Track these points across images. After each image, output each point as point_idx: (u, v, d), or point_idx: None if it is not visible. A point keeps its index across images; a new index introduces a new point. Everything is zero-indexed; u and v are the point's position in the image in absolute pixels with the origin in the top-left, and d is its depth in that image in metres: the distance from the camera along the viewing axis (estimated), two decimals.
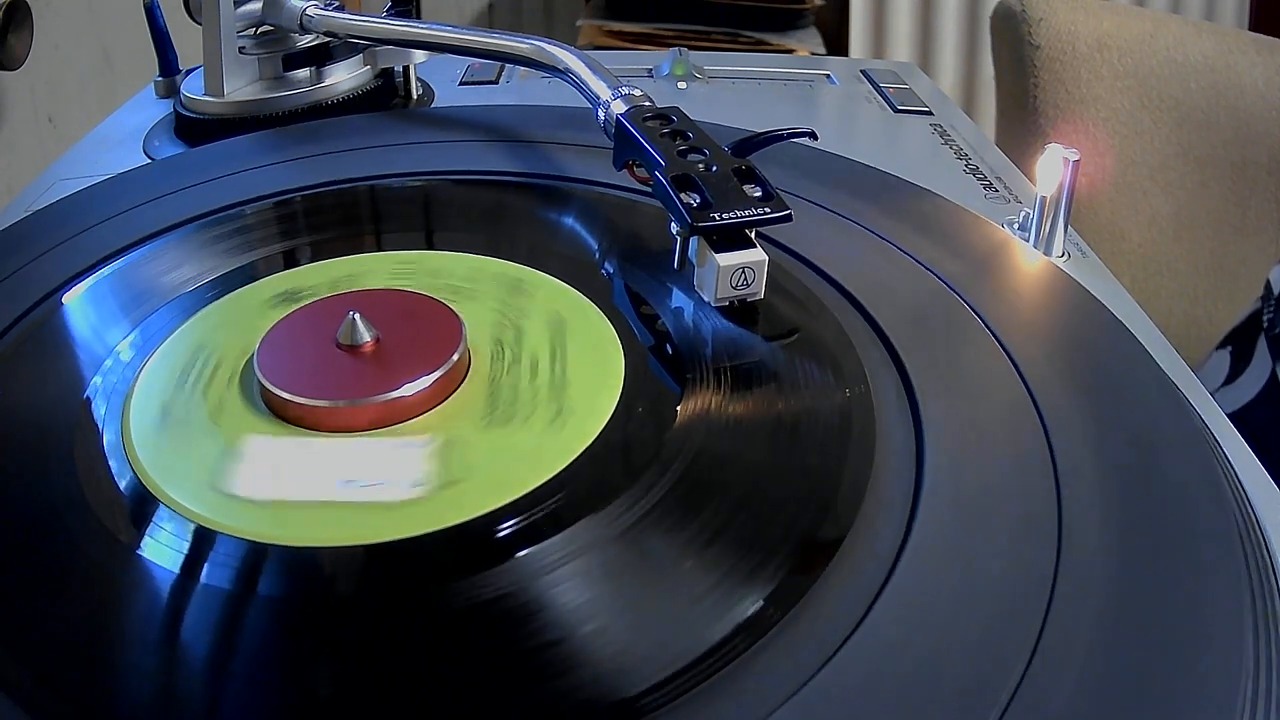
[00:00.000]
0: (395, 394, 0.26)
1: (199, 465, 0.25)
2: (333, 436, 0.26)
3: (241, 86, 0.48)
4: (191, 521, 0.23)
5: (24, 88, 0.81)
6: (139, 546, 0.23)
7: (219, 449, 0.26)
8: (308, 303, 0.30)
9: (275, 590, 0.22)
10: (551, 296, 0.31)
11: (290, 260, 0.35)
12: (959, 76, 1.47)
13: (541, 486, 0.24)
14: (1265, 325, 0.63)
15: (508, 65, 0.58)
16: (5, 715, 0.20)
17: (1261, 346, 0.63)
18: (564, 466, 0.24)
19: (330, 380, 0.27)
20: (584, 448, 0.25)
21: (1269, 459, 0.29)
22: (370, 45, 0.50)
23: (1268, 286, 0.65)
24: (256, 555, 0.23)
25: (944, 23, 1.45)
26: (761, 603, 0.21)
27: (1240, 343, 0.66)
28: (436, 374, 0.27)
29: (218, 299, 0.32)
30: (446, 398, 0.27)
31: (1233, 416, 0.30)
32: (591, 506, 0.23)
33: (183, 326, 0.31)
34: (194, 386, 0.28)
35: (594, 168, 0.39)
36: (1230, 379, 0.65)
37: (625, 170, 0.35)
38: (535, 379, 0.28)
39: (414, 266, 0.33)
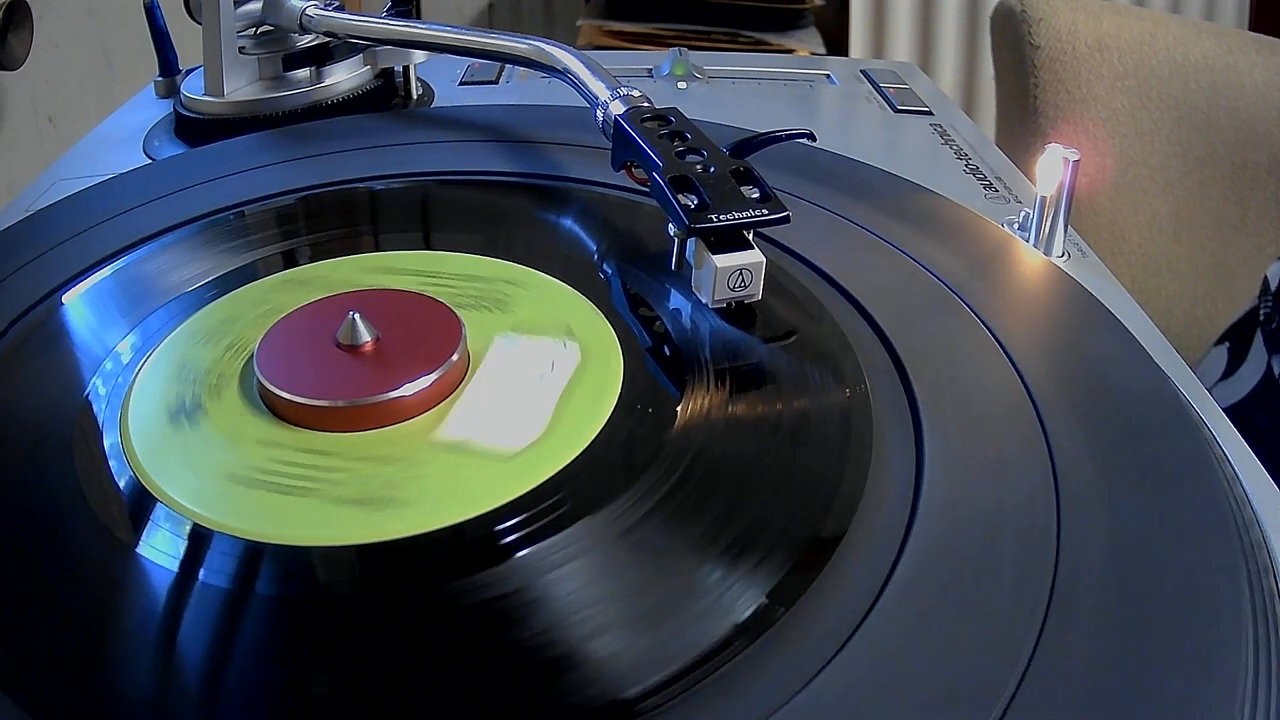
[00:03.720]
0: (395, 394, 0.26)
1: (197, 463, 0.25)
2: (301, 433, 0.26)
3: (241, 86, 0.48)
4: (189, 520, 0.24)
5: (24, 88, 0.81)
6: (138, 545, 0.23)
7: (216, 447, 0.26)
8: (308, 302, 0.30)
9: (270, 589, 0.22)
10: (581, 321, 0.30)
11: (290, 260, 0.35)
12: (959, 76, 1.47)
13: (541, 486, 0.24)
14: (1262, 320, 0.63)
15: (508, 65, 0.58)
16: (5, 715, 0.20)
17: (1258, 341, 0.63)
18: (507, 500, 0.24)
19: (330, 380, 0.27)
20: (578, 452, 0.25)
21: (1264, 451, 0.29)
22: (370, 45, 0.50)
23: (1265, 282, 0.65)
24: (250, 553, 0.23)
25: (944, 23, 1.45)
26: (761, 603, 0.21)
27: (1238, 338, 0.66)
28: (436, 374, 0.27)
29: (217, 298, 0.32)
30: (445, 399, 0.27)
31: (1229, 411, 0.30)
32: (590, 507, 0.23)
33: (193, 317, 0.31)
34: (196, 385, 0.28)
35: (593, 168, 0.39)
36: (1227, 374, 0.65)
37: (623, 171, 0.35)
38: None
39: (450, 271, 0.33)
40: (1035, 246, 0.37)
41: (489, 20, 1.63)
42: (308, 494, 0.24)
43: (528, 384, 0.28)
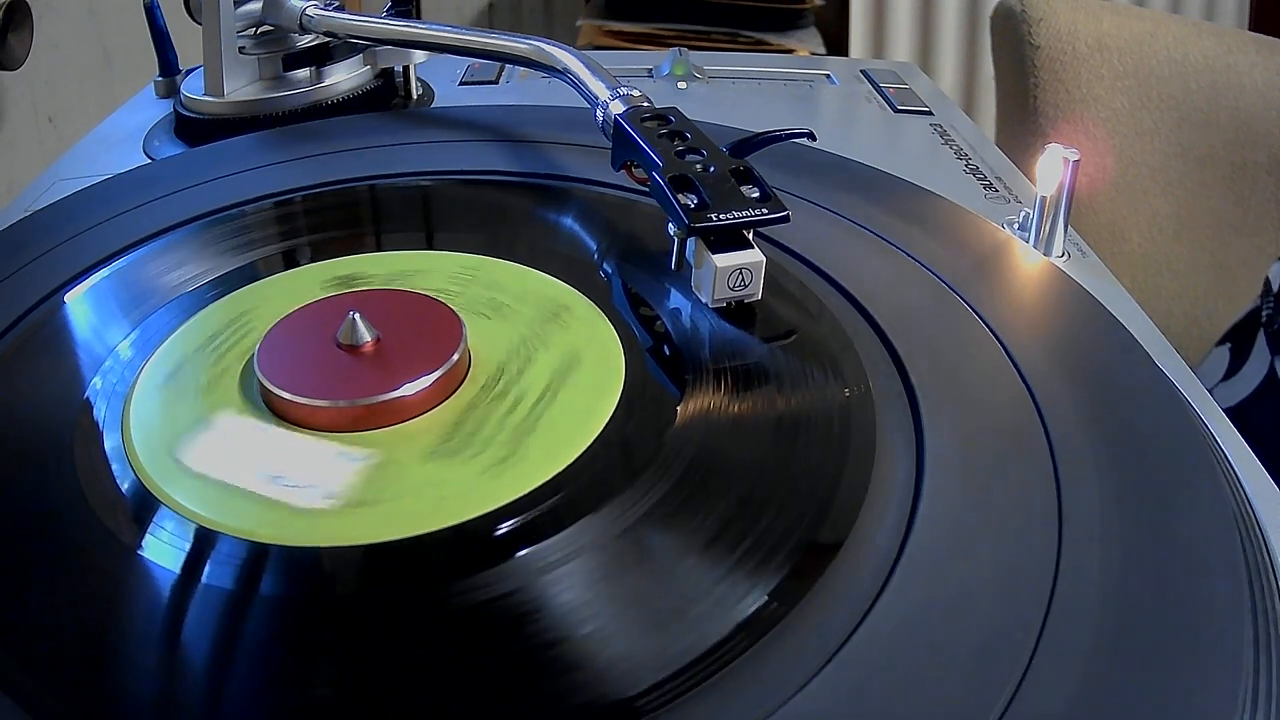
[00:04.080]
0: (395, 394, 0.26)
1: (197, 463, 0.25)
2: (290, 431, 0.26)
3: (241, 86, 0.48)
4: (190, 521, 0.24)
5: (24, 88, 0.81)
6: (138, 547, 0.23)
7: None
8: (308, 303, 0.30)
9: (275, 590, 0.22)
10: (582, 331, 0.30)
11: (290, 261, 0.35)
12: (959, 76, 1.47)
13: (541, 486, 0.24)
14: (1264, 321, 0.63)
15: (508, 65, 0.58)
16: (5, 715, 0.20)
17: (1260, 342, 0.63)
18: (478, 514, 0.23)
19: (330, 380, 0.27)
20: (579, 452, 0.25)
21: (1265, 451, 0.29)
22: (370, 45, 0.50)
23: (1267, 283, 0.65)
24: (252, 554, 0.23)
25: (944, 23, 1.45)
26: (762, 603, 0.21)
27: (1239, 338, 0.66)
28: (436, 374, 0.27)
29: (217, 299, 0.32)
30: (444, 400, 0.27)
31: (1231, 411, 0.30)
32: (591, 507, 0.23)
33: (216, 304, 0.31)
34: (198, 375, 0.28)
35: (593, 168, 0.39)
36: (1229, 374, 0.65)
37: (623, 171, 0.35)
38: (509, 416, 0.27)
39: (474, 274, 0.33)
40: (1035, 246, 0.37)
41: (489, 20, 1.63)
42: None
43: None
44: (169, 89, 0.54)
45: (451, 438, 0.26)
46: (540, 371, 0.28)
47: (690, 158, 0.32)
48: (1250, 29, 1.41)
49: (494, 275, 0.33)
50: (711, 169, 0.31)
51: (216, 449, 0.26)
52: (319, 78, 0.49)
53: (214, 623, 0.21)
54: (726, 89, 0.57)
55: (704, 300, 0.30)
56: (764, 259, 0.30)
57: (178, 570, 0.22)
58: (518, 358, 0.29)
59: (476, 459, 0.25)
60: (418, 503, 0.24)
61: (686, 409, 0.27)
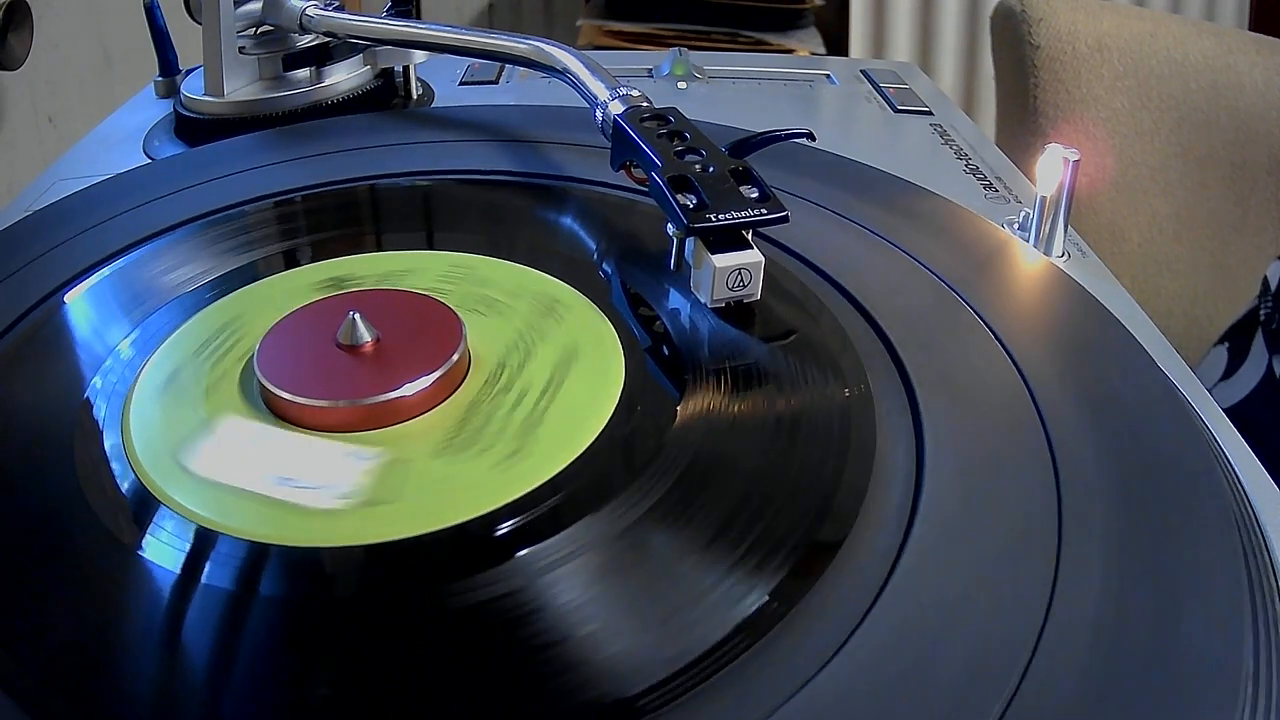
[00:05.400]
0: (394, 394, 0.26)
1: (197, 463, 0.25)
2: (295, 432, 0.26)
3: (241, 86, 0.48)
4: (191, 521, 0.24)
5: (24, 88, 0.81)
6: (139, 547, 0.23)
7: (216, 447, 0.26)
8: (308, 302, 0.30)
9: (275, 590, 0.22)
10: (578, 324, 0.30)
11: (291, 260, 0.35)
12: (959, 76, 1.47)
13: (541, 486, 0.24)
14: (1262, 320, 0.63)
15: (508, 65, 0.58)
16: (5, 715, 0.20)
17: (1259, 341, 0.63)
18: (491, 509, 0.23)
19: (330, 380, 0.27)
20: (579, 451, 0.25)
21: (1265, 451, 0.29)
22: (370, 45, 0.50)
23: (1265, 282, 0.65)
24: (252, 554, 0.23)
25: (944, 23, 1.45)
26: (762, 602, 0.21)
27: (1238, 338, 0.66)
28: (436, 374, 0.27)
29: (217, 298, 0.32)
30: (444, 399, 0.27)
31: (1229, 411, 0.30)
32: (591, 506, 0.23)
33: (208, 308, 0.31)
34: (197, 380, 0.28)
35: (593, 168, 0.39)
36: (1227, 374, 0.65)
37: (623, 171, 0.35)
38: (514, 411, 0.27)
39: (465, 272, 0.33)
40: (1035, 246, 0.37)
41: (489, 20, 1.63)
42: (321, 495, 0.24)
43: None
44: (169, 89, 0.54)
45: (459, 434, 0.26)
46: (541, 365, 0.28)
47: (689, 158, 0.32)
48: (1250, 29, 1.41)
49: (484, 273, 0.33)
50: (711, 169, 0.31)
51: (221, 452, 0.26)
52: (319, 78, 0.49)
53: (214, 623, 0.21)
54: (726, 89, 0.57)
55: (703, 300, 0.30)
56: (763, 259, 0.30)
57: (177, 570, 0.22)
58: (517, 352, 0.29)
59: (487, 454, 0.25)
60: (433, 499, 0.24)
61: (686, 409, 0.27)
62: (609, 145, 0.35)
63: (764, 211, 0.30)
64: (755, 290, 0.30)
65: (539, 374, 0.28)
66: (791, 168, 0.39)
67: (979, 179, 0.45)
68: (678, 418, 0.26)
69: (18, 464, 0.26)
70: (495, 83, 0.57)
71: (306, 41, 0.50)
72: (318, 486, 0.24)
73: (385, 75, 0.51)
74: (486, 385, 0.28)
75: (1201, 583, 0.22)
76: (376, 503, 0.24)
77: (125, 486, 0.25)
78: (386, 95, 0.51)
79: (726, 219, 0.29)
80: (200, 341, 0.30)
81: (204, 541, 0.23)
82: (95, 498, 0.24)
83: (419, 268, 0.33)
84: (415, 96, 0.52)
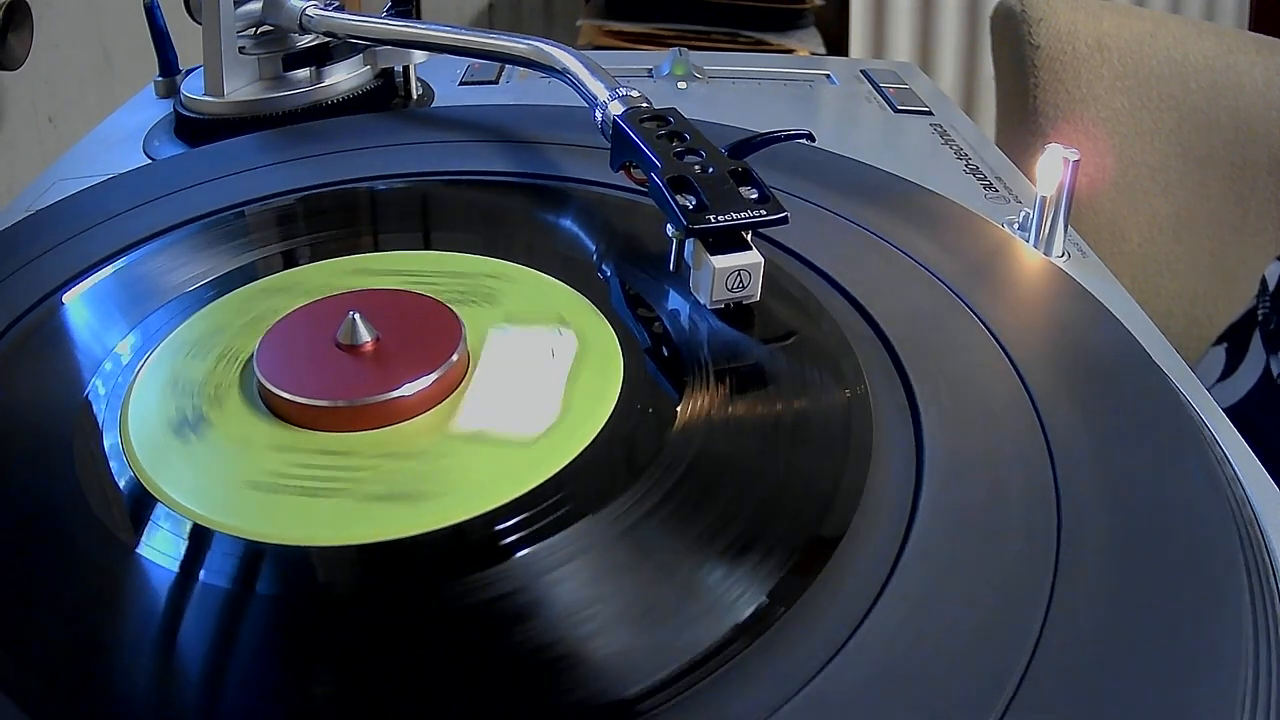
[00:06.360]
0: (395, 394, 0.26)
1: (196, 463, 0.25)
2: (293, 431, 0.26)
3: (241, 86, 0.48)
4: (189, 520, 0.24)
5: (24, 88, 0.81)
6: (138, 546, 0.23)
7: (215, 447, 0.26)
8: (308, 302, 0.30)
9: (273, 588, 0.22)
10: (575, 320, 0.31)
11: (290, 260, 0.35)
12: (959, 76, 1.47)
13: (540, 486, 0.24)
14: (1260, 320, 0.63)
15: (508, 65, 0.58)
16: (5, 715, 0.20)
17: (1256, 341, 0.63)
18: (502, 502, 0.24)
19: (329, 380, 0.27)
20: (578, 451, 0.25)
21: (1264, 451, 0.29)
22: (370, 45, 0.50)
23: (1263, 282, 0.65)
24: (251, 553, 0.23)
25: (944, 23, 1.45)
26: (761, 603, 0.21)
27: (1236, 338, 0.66)
28: (436, 374, 0.27)
29: (217, 299, 0.32)
30: (445, 398, 0.27)
31: (1228, 411, 0.30)
32: (591, 507, 0.23)
33: (188, 321, 0.31)
34: (195, 384, 0.28)
35: (593, 168, 0.39)
36: (1225, 374, 0.65)
37: (622, 171, 0.35)
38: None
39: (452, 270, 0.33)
40: (1035, 246, 0.37)
41: (489, 20, 1.63)
42: (307, 494, 0.24)
43: (527, 377, 0.28)
44: (169, 89, 0.54)
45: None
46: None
47: (689, 159, 0.32)
48: (1250, 29, 1.41)
49: (463, 267, 0.33)
50: (710, 170, 0.31)
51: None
52: (319, 78, 0.49)
53: (214, 623, 0.21)
54: (726, 89, 0.57)
55: (702, 302, 0.30)
56: (762, 260, 0.30)
57: (176, 570, 0.22)
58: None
59: (500, 446, 0.25)
60: (441, 495, 0.24)
61: (686, 410, 0.27)
62: (609, 146, 0.35)
63: (763, 212, 0.30)
64: (755, 291, 0.30)
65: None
66: (791, 168, 0.39)
67: (979, 179, 0.45)
68: (677, 419, 0.26)
69: (17, 463, 0.26)
70: (495, 83, 0.57)
71: (306, 41, 0.50)
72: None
73: (385, 75, 0.51)
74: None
75: (1201, 583, 0.22)
76: (383, 500, 0.24)
77: (124, 485, 0.25)
78: (386, 95, 0.51)
79: (726, 220, 0.29)
80: (200, 341, 0.30)
81: (202, 540, 0.23)
82: (94, 497, 0.24)
83: (414, 269, 0.33)
84: (415, 96, 0.52)
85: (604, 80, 0.37)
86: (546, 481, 0.24)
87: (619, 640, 0.21)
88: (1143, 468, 0.25)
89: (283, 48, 0.49)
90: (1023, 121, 0.86)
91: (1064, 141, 0.37)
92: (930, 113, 0.54)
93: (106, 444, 0.26)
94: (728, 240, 0.30)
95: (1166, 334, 0.34)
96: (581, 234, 0.36)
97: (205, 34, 0.47)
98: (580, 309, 0.31)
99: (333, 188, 0.39)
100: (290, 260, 0.35)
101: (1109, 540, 0.23)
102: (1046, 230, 0.38)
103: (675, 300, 0.31)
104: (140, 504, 0.24)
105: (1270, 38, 0.88)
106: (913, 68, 0.63)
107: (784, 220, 0.30)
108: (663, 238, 0.31)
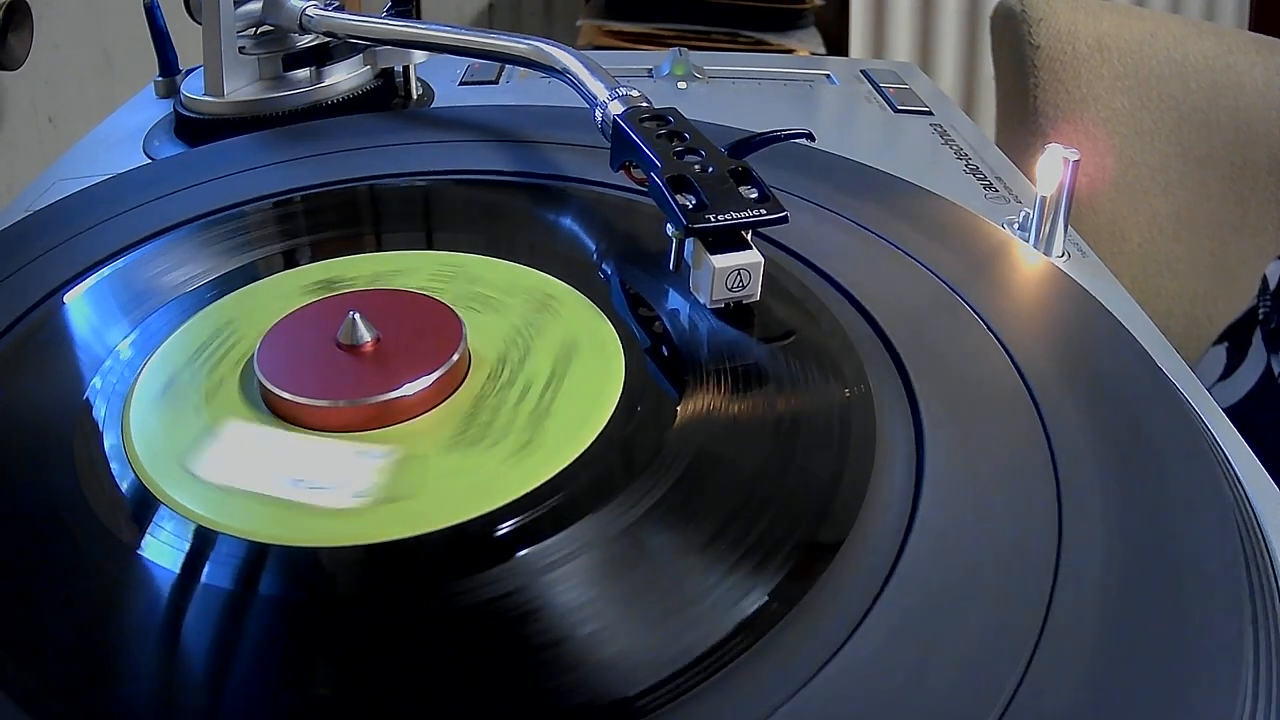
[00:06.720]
0: (394, 394, 0.26)
1: (197, 463, 0.25)
2: (302, 434, 0.26)
3: (241, 86, 0.48)
4: (191, 521, 0.24)
5: (24, 88, 0.81)
6: (139, 546, 0.23)
7: (216, 447, 0.26)
8: (308, 302, 0.30)
9: (275, 590, 0.22)
10: (574, 318, 0.30)
11: (290, 260, 0.35)
12: (959, 76, 1.47)
13: (541, 486, 0.24)
14: (1261, 319, 0.63)
15: (508, 65, 0.58)
16: (5, 715, 0.20)
17: (1257, 341, 0.63)
18: (507, 501, 0.24)
19: (330, 380, 0.27)
20: (579, 452, 0.25)
21: (1263, 450, 0.29)
22: (370, 45, 0.50)
23: (1264, 282, 0.65)
24: (252, 554, 0.23)
25: (944, 23, 1.45)
26: (762, 603, 0.21)
27: (1236, 338, 0.66)
28: (436, 375, 0.27)
29: (217, 298, 0.32)
30: (445, 399, 0.27)
31: (1228, 410, 0.30)
32: (591, 506, 0.23)
33: (189, 321, 0.31)
34: (196, 384, 0.28)
35: (593, 168, 0.39)
36: (1226, 374, 0.65)
37: (622, 171, 0.35)
38: (520, 404, 0.27)
39: (455, 270, 0.33)
40: (1035, 246, 0.37)
41: (489, 20, 1.63)
42: (337, 495, 0.24)
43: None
44: (169, 89, 0.54)
45: (468, 429, 0.26)
46: (542, 359, 0.29)
47: (689, 158, 0.32)
48: (1250, 29, 1.41)
49: (475, 271, 0.33)
50: (710, 169, 0.31)
51: (221, 452, 0.26)
52: (319, 78, 0.49)
53: (215, 623, 0.21)
54: (726, 89, 0.57)
55: (702, 301, 0.30)
56: (762, 260, 0.30)
57: (177, 570, 0.22)
58: (516, 348, 0.29)
59: (498, 447, 0.25)
60: (448, 494, 0.24)
61: (686, 409, 0.27)
62: (608, 145, 0.35)
63: (763, 212, 0.30)
64: (755, 291, 0.30)
65: (540, 368, 0.28)
66: (791, 168, 0.39)
67: (979, 179, 0.45)
68: (678, 418, 0.26)
69: (18, 464, 0.26)
70: (495, 83, 0.57)
71: (306, 41, 0.50)
72: (322, 486, 0.24)
73: (385, 75, 0.51)
74: (490, 380, 0.28)
75: (1201, 583, 0.22)
76: (388, 501, 0.24)
77: (125, 486, 0.25)
78: (386, 95, 0.51)
79: (725, 219, 0.29)
80: (200, 341, 0.30)
81: (204, 541, 0.23)
82: (95, 498, 0.24)
83: (409, 268, 0.33)
84: (415, 96, 0.52)
85: (604, 80, 0.37)
86: (547, 482, 0.24)
87: (619, 640, 0.21)
88: (1143, 468, 0.25)
89: (283, 48, 0.49)
90: (1023, 121, 0.86)
91: (1064, 141, 0.37)
92: (930, 113, 0.54)
93: (107, 444, 0.26)
94: (727, 240, 0.30)
95: (1166, 334, 0.34)
96: (581, 234, 0.36)
97: (205, 34, 0.47)
98: (580, 308, 0.31)
99: (332, 188, 0.39)
100: (289, 261, 0.35)
101: (1109, 541, 0.23)
102: (1046, 230, 0.38)
103: (675, 300, 0.31)
104: (141, 505, 0.24)
105: (1270, 38, 0.88)
106: (913, 68, 0.63)
107: (784, 220, 0.30)
108: (663, 237, 0.31)
